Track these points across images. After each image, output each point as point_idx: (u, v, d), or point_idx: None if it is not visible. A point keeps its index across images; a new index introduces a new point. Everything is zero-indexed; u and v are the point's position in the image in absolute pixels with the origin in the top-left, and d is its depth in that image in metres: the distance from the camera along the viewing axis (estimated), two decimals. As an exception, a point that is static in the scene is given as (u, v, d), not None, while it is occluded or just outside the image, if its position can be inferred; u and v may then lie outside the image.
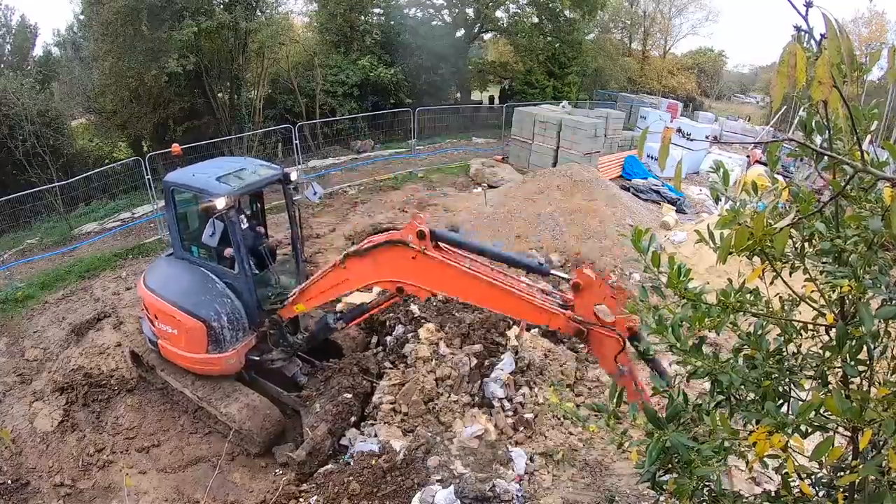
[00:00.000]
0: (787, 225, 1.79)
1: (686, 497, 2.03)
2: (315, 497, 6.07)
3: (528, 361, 7.84)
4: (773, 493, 2.27)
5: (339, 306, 8.83)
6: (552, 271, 5.52)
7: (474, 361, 7.51)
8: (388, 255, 5.69)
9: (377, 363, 7.70)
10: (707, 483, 2.15)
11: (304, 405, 6.92)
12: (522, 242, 11.79)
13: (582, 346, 5.83)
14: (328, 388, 7.00)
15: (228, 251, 6.71)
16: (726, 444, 2.00)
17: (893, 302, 1.89)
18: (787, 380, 2.06)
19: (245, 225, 6.86)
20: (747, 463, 2.03)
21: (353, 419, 6.97)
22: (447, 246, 5.54)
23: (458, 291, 5.61)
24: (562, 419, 7.22)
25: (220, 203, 6.01)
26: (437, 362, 7.40)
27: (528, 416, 7.17)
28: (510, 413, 7.19)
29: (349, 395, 6.96)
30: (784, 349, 2.12)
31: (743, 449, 2.01)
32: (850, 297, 1.88)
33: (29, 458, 6.88)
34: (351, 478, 6.01)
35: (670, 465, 2.16)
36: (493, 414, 7.10)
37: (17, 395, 7.83)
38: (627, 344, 5.01)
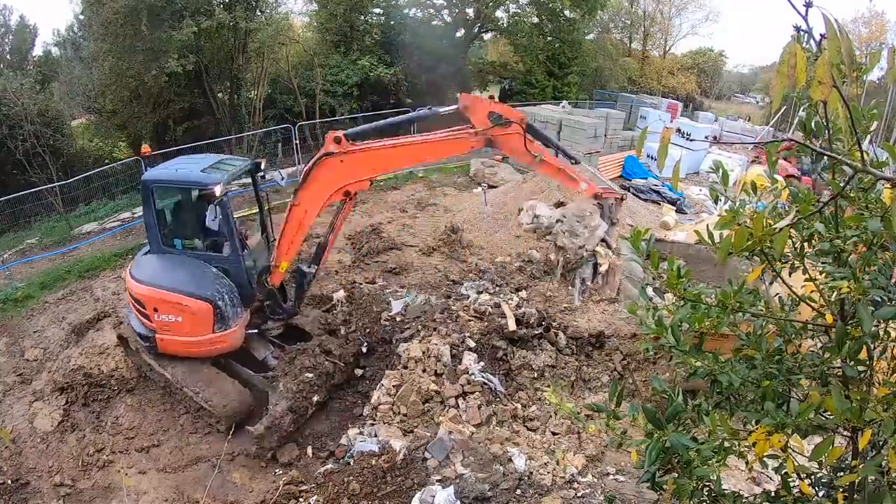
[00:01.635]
0: (787, 225, 1.79)
1: (686, 497, 2.03)
2: (315, 497, 6.07)
3: (527, 362, 7.85)
4: (772, 494, 2.27)
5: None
6: (435, 109, 7.14)
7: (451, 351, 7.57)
8: (323, 170, 6.75)
9: (340, 345, 7.86)
10: (707, 483, 2.15)
11: (272, 385, 7.14)
12: (522, 242, 11.78)
13: (496, 153, 7.38)
14: (292, 368, 7.21)
15: (212, 240, 7.39)
16: (726, 444, 2.00)
17: (893, 302, 1.89)
18: (786, 380, 2.07)
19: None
20: (747, 463, 2.03)
21: (315, 398, 7.14)
22: (360, 141, 6.79)
23: (391, 164, 7.19)
24: (562, 420, 7.22)
25: (218, 190, 6.47)
26: (428, 360, 7.41)
27: (522, 412, 7.18)
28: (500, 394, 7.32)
29: (310, 375, 7.16)
30: (784, 350, 2.13)
31: (743, 449, 2.01)
32: (849, 297, 1.88)
33: (29, 458, 6.88)
34: (351, 478, 6.01)
35: (670, 466, 2.16)
36: (488, 400, 7.13)
37: (17, 395, 7.83)
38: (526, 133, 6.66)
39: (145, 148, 8.97)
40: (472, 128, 6.76)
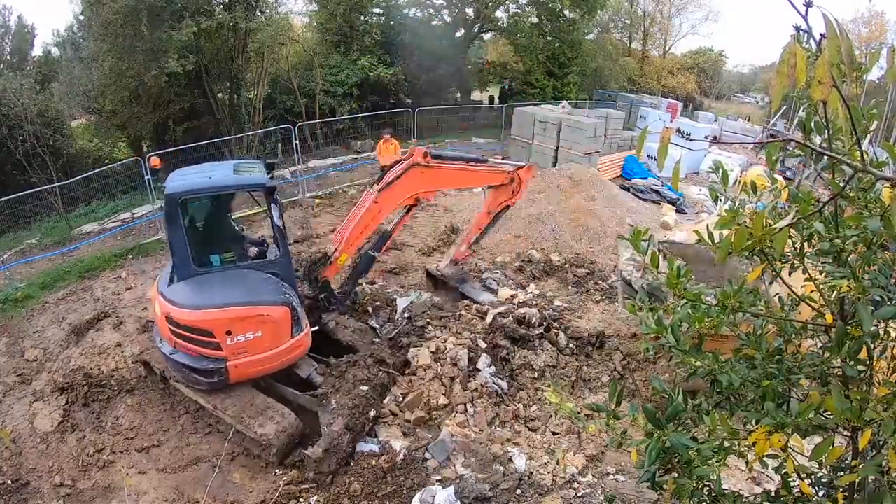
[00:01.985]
0: (787, 225, 1.79)
1: (686, 497, 2.02)
2: (315, 497, 6.07)
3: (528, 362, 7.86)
4: (772, 493, 2.27)
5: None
6: (490, 160, 8.98)
7: (469, 355, 7.54)
8: (409, 177, 7.53)
9: (392, 354, 7.54)
10: (707, 483, 2.15)
11: (321, 404, 6.66)
12: (522, 242, 11.79)
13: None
14: (343, 383, 6.78)
15: (252, 250, 7.22)
16: (726, 444, 2.00)
17: (893, 302, 1.89)
18: (786, 380, 2.06)
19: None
20: (747, 463, 2.03)
21: (371, 413, 6.67)
22: (438, 159, 7.82)
23: (455, 182, 8.64)
24: (562, 420, 7.22)
25: (272, 184, 6.46)
26: (440, 363, 7.39)
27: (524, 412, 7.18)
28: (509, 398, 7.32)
29: (365, 388, 6.69)
30: (784, 349, 2.13)
31: (743, 449, 2.01)
32: (849, 297, 1.88)
33: (29, 458, 6.88)
34: (352, 478, 6.01)
35: (670, 466, 2.16)
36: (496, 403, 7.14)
37: (17, 395, 7.83)
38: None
39: (155, 160, 8.74)
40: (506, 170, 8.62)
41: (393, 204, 7.64)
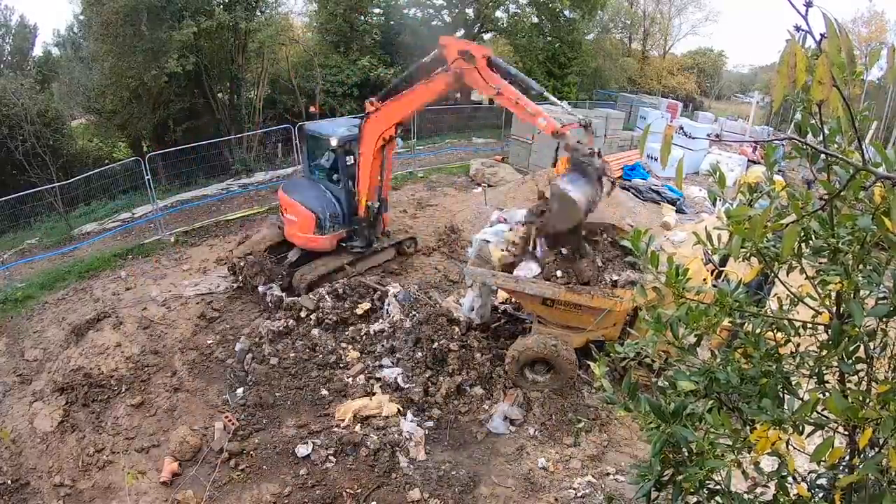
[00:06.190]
0: (791, 223, 1.78)
1: (691, 489, 2.02)
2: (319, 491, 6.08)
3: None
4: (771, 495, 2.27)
5: None
6: (423, 61, 8.61)
7: None
8: (368, 125, 9.39)
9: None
10: (711, 478, 2.14)
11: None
12: (522, 242, 11.77)
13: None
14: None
15: (335, 176, 10.05)
16: (729, 441, 2.00)
17: (888, 300, 1.89)
18: (783, 378, 2.06)
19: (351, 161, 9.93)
20: (740, 465, 2.03)
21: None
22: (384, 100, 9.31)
23: (403, 110, 9.09)
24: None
25: (333, 142, 9.62)
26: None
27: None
28: None
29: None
30: (781, 346, 2.13)
31: (739, 446, 2.01)
32: (844, 294, 1.88)
33: (29, 458, 6.88)
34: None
35: (671, 465, 2.16)
36: None
37: (17, 395, 7.84)
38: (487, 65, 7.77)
39: (314, 107, 12.51)
40: (445, 70, 7.99)
41: (370, 150, 9.24)
